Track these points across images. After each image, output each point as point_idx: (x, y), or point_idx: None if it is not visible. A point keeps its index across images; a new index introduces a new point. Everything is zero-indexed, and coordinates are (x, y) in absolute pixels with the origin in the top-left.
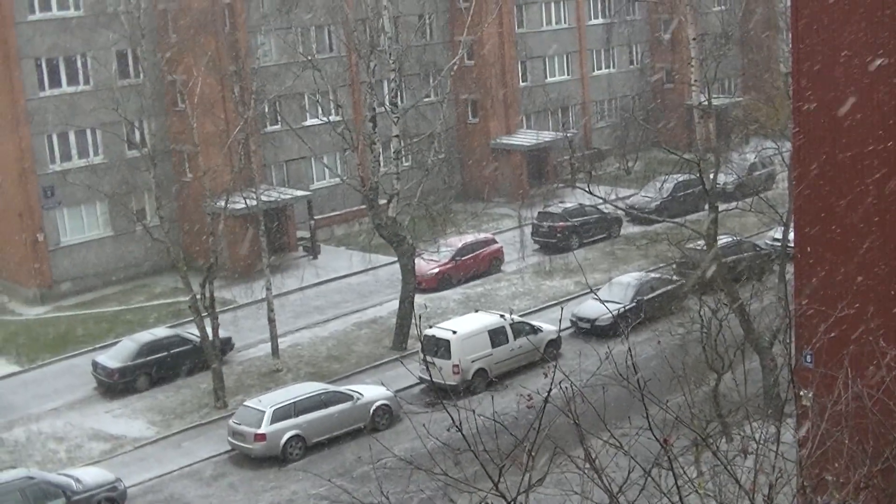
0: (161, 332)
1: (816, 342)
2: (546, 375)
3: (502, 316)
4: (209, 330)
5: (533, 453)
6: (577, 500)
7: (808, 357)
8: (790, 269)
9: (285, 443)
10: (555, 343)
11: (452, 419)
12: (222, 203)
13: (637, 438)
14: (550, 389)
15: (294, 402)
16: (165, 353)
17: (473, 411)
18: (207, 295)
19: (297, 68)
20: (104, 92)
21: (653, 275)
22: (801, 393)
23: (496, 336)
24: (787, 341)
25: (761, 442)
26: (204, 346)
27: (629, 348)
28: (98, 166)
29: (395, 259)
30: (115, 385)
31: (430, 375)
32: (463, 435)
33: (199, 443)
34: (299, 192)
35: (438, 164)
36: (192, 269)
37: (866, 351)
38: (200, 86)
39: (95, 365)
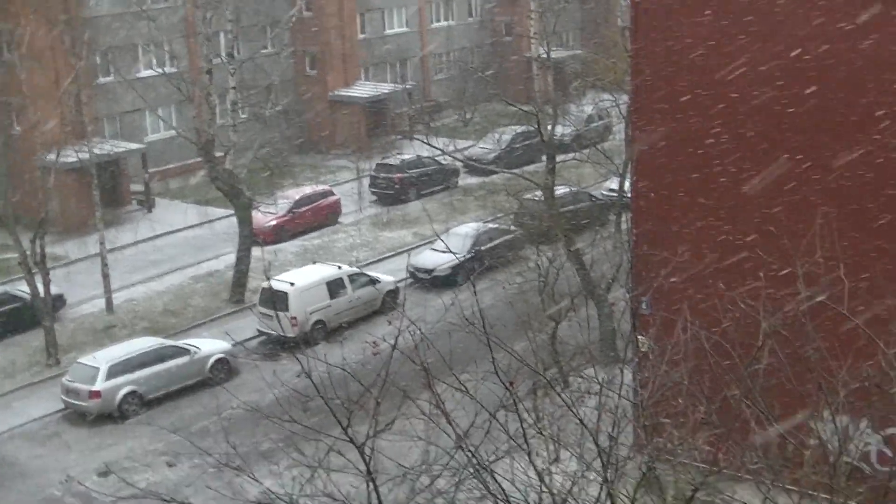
0: None
1: (655, 288)
2: (390, 323)
3: (340, 267)
4: (40, 286)
5: (379, 400)
6: (424, 445)
7: (646, 304)
8: (627, 218)
9: (121, 399)
10: (393, 294)
11: (302, 366)
12: (53, 157)
13: (482, 383)
14: (398, 335)
15: (130, 358)
16: None
17: (324, 358)
18: (38, 251)
19: (130, 18)
20: None
21: (490, 225)
22: (640, 338)
23: (334, 287)
24: (628, 288)
25: (604, 384)
26: (35, 303)
27: (475, 294)
28: None
29: (232, 212)
30: None
31: (271, 328)
32: (313, 382)
33: (30, 402)
34: (133, 145)
35: (276, 117)
36: (22, 224)
37: (704, 294)
38: (29, 35)
39: None
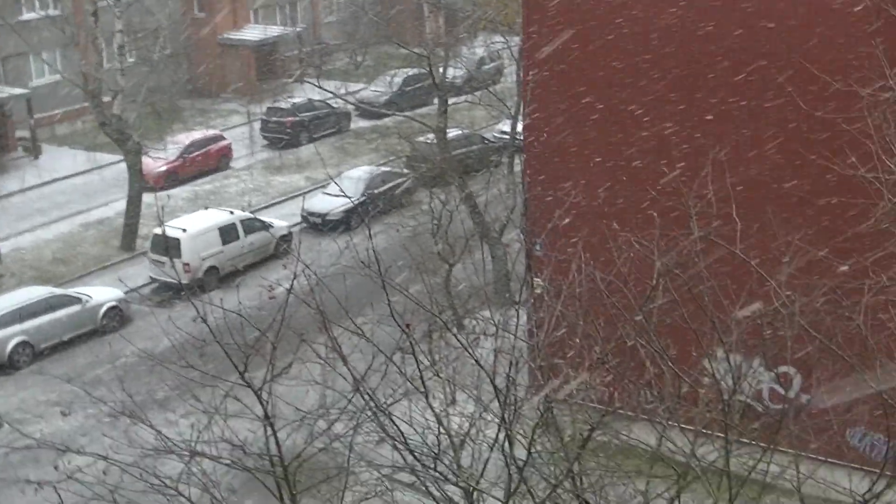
0: None
1: (549, 229)
2: (285, 267)
3: (232, 212)
4: None
5: (276, 344)
6: (321, 389)
7: (539, 246)
8: (520, 160)
9: (12, 350)
10: (287, 238)
11: (197, 311)
12: None
13: (379, 326)
14: (293, 279)
15: (19, 308)
16: None
17: (220, 304)
18: None
19: None
20: None
21: (383, 168)
22: (535, 279)
23: (227, 233)
24: (522, 230)
25: (499, 325)
26: None
27: (370, 237)
28: None
29: (122, 158)
30: None
31: (165, 274)
32: (209, 327)
33: None
34: (17, 90)
35: (164, 60)
36: None
37: (598, 235)
38: None
39: None
